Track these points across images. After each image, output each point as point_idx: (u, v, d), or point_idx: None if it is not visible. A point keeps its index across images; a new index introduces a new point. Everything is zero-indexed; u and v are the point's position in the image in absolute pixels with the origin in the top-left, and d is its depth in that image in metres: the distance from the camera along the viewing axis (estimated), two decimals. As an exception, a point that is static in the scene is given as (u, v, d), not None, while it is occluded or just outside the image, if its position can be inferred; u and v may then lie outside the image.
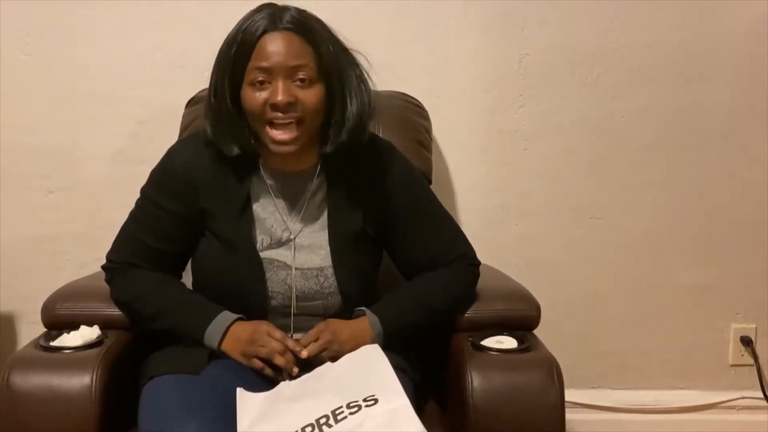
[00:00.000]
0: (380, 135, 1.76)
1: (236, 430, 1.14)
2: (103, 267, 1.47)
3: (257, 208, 1.40)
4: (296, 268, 1.38)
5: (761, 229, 2.13)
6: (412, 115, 1.88)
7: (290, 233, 1.39)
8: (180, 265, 1.47)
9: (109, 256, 1.46)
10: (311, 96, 1.30)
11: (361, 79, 1.37)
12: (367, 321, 1.35)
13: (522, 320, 1.48)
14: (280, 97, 1.27)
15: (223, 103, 1.33)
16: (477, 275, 1.50)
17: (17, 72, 2.00)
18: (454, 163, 2.09)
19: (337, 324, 1.34)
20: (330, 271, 1.38)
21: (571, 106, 2.08)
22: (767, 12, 2.05)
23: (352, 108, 1.35)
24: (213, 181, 1.39)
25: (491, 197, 2.11)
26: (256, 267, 1.37)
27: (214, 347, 1.33)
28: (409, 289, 1.45)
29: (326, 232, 1.40)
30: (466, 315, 1.47)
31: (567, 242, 2.13)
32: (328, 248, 1.39)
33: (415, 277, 1.46)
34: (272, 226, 1.40)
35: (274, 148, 1.32)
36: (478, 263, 1.52)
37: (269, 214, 1.40)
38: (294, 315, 1.39)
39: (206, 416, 1.16)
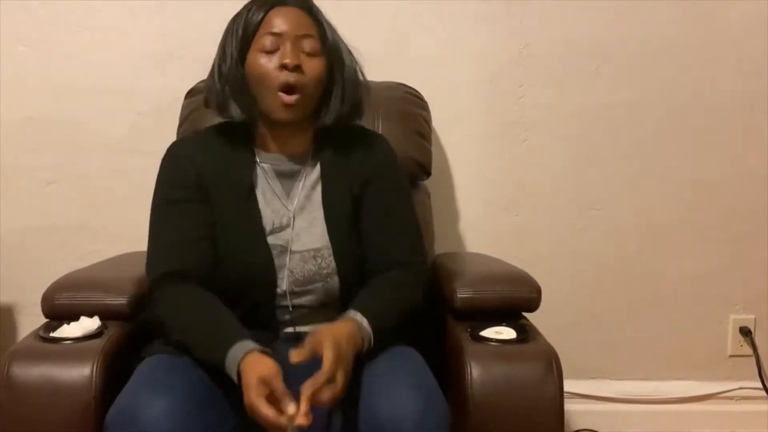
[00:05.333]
0: (380, 125, 1.77)
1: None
2: (148, 288, 1.38)
3: (259, 194, 1.41)
4: (294, 251, 1.38)
5: (760, 220, 2.13)
6: (411, 106, 1.88)
7: (290, 217, 1.40)
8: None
9: (147, 275, 1.37)
10: (315, 67, 1.37)
11: (356, 62, 1.45)
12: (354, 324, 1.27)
13: (523, 302, 1.49)
14: (289, 59, 1.34)
15: (232, 68, 1.38)
16: (421, 286, 1.42)
17: (16, 63, 2.00)
18: (453, 154, 2.09)
19: (333, 340, 1.20)
20: (327, 252, 1.38)
21: (571, 98, 2.08)
22: (766, 4, 2.05)
23: (350, 83, 1.43)
24: (216, 169, 1.40)
25: (491, 188, 2.11)
26: (265, 253, 1.37)
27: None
28: (382, 290, 1.38)
29: (321, 212, 1.41)
30: (467, 297, 1.47)
31: (567, 233, 2.13)
32: (324, 227, 1.40)
33: (373, 280, 1.40)
34: (273, 211, 1.40)
35: (278, 113, 1.36)
36: (425, 272, 1.46)
37: (269, 199, 1.41)
38: (293, 307, 1.38)
39: (177, 394, 1.15)
